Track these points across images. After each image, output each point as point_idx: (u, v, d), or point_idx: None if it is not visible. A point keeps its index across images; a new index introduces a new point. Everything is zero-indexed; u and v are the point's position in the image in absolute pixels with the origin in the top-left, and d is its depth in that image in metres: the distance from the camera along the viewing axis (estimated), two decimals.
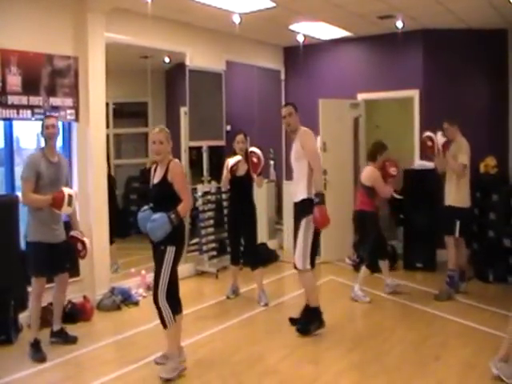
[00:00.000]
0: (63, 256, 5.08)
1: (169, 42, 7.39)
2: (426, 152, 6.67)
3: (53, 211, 4.86)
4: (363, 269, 6.50)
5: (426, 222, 7.55)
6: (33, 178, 4.79)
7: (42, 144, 5.04)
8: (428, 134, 6.52)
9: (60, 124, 5.22)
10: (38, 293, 4.93)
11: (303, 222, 5.16)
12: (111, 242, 6.67)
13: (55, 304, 5.21)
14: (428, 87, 8.28)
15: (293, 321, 5.47)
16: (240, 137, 6.47)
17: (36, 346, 4.85)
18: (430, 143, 6.41)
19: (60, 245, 5.01)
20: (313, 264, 5.31)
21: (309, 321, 5.30)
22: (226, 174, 6.34)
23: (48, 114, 5.52)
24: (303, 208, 5.20)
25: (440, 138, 6.35)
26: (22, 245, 5.58)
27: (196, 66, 7.72)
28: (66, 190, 4.81)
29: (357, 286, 6.43)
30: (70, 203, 4.78)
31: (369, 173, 6.45)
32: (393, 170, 6.46)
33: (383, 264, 6.62)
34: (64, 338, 5.14)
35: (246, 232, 6.51)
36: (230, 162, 6.25)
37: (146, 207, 4.46)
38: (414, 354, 4.86)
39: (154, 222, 4.21)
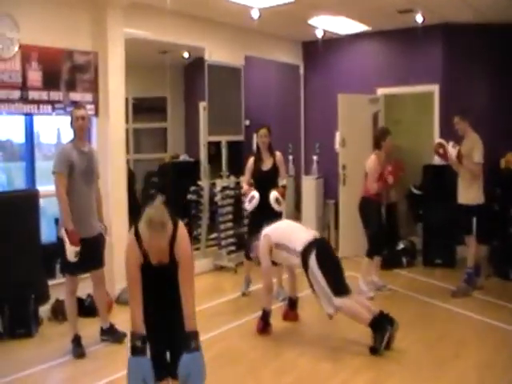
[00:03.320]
0: (97, 251, 5.00)
1: (188, 37, 7.40)
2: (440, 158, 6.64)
3: (89, 203, 4.84)
4: (365, 260, 6.49)
5: (445, 218, 7.47)
6: (65, 171, 4.71)
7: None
8: (439, 141, 6.51)
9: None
10: (71, 290, 4.89)
11: (309, 275, 4.97)
12: None
13: (97, 302, 5.20)
14: (448, 82, 8.20)
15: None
16: (264, 131, 6.42)
17: (76, 342, 4.84)
18: (441, 151, 6.40)
19: (94, 239, 4.93)
20: (343, 292, 4.88)
21: (374, 339, 4.83)
22: (247, 178, 6.39)
23: (77, 104, 5.41)
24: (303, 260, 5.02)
25: (452, 150, 6.27)
26: (43, 238, 5.68)
27: (215, 60, 7.71)
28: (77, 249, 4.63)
29: (361, 280, 6.39)
30: (76, 254, 4.63)
31: (370, 161, 6.42)
32: (389, 179, 6.38)
33: (375, 260, 6.59)
34: (114, 336, 5.08)
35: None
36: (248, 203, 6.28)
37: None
38: (431, 352, 4.83)
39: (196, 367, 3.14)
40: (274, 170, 6.37)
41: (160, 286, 3.28)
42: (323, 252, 4.99)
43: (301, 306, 5.84)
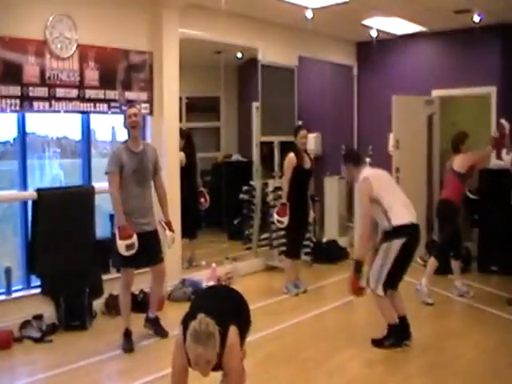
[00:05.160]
0: (151, 247, 5.03)
1: (242, 37, 7.42)
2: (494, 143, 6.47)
3: (140, 201, 4.93)
4: (431, 260, 6.34)
5: (502, 224, 7.27)
6: (116, 171, 4.82)
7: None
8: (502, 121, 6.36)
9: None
10: (125, 284, 4.97)
11: (384, 247, 4.84)
12: (194, 236, 6.93)
13: (151, 294, 5.28)
14: (506, 84, 8.00)
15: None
16: (304, 132, 6.53)
17: (126, 335, 4.91)
18: (497, 135, 6.28)
19: (149, 235, 4.98)
20: (394, 286, 4.97)
21: (386, 336, 4.97)
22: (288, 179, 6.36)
23: (130, 104, 5.53)
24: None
25: (506, 157, 6.23)
26: (98, 234, 5.78)
27: (268, 61, 7.71)
28: (134, 238, 4.72)
29: (424, 280, 6.24)
30: (128, 247, 4.71)
31: (462, 158, 6.24)
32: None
33: (455, 264, 6.44)
34: (156, 328, 5.15)
35: (307, 226, 6.64)
36: None
37: None
38: (486, 360, 4.71)
39: None
40: (312, 170, 6.56)
41: None
42: (411, 245, 4.91)
43: (353, 309, 5.79)
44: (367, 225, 4.90)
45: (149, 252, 5.00)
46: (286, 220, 6.33)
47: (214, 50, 8.17)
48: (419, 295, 6.19)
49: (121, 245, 4.70)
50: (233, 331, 3.04)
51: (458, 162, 6.27)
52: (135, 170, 4.91)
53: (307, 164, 6.48)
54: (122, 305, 5.02)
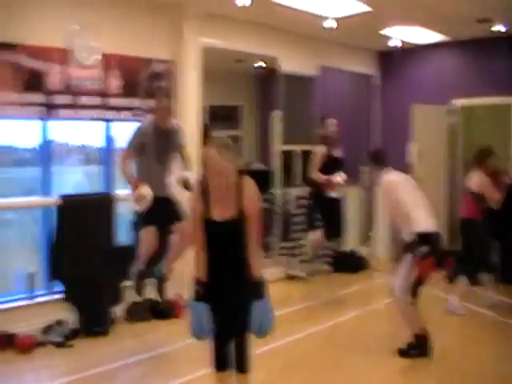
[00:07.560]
0: (171, 208, 4.95)
1: (262, 46, 7.47)
2: None
3: (158, 179, 4.85)
4: (463, 280, 6.29)
5: None
6: (135, 146, 4.80)
7: None
8: None
9: None
10: (147, 240, 4.87)
11: (409, 257, 4.82)
12: None
13: (171, 250, 5.04)
14: None
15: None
16: (333, 119, 6.60)
17: (141, 275, 4.98)
18: None
19: (165, 199, 4.89)
20: (416, 294, 4.91)
21: (413, 345, 4.94)
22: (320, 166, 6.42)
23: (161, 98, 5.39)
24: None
25: None
26: (118, 241, 5.81)
27: (289, 70, 7.74)
28: (142, 189, 4.67)
29: (455, 298, 6.20)
30: (137, 200, 4.68)
31: (478, 179, 6.15)
32: (506, 178, 6.35)
33: (486, 277, 6.41)
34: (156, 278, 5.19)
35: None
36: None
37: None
38: (510, 372, 4.66)
39: (266, 315, 3.08)
40: (343, 159, 6.59)
41: (223, 246, 3.14)
42: (433, 254, 4.84)
43: (373, 319, 5.78)
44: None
45: (168, 213, 4.91)
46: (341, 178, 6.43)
47: (235, 58, 8.22)
48: (453, 311, 6.17)
49: (134, 197, 4.70)
50: (249, 179, 3.15)
51: (474, 181, 6.16)
52: (158, 148, 4.85)
53: (337, 153, 6.56)
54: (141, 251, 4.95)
